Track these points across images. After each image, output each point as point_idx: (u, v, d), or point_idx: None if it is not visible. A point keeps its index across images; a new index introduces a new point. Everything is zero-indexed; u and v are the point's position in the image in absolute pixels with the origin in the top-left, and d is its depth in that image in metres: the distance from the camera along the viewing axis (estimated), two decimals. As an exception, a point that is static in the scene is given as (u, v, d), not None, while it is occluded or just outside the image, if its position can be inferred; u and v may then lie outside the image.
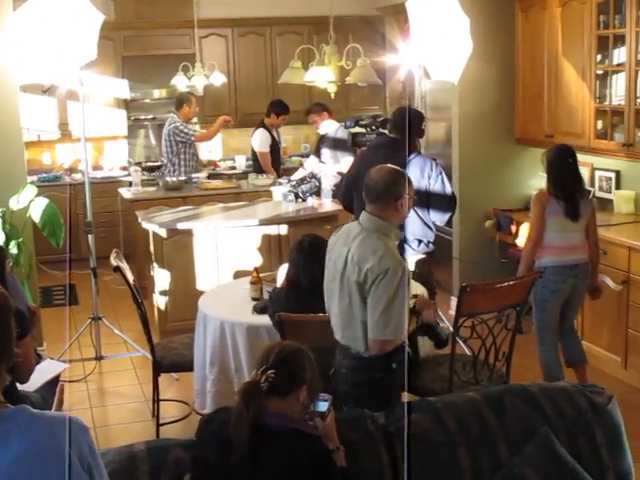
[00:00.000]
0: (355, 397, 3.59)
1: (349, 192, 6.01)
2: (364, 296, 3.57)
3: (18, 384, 4.10)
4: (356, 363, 3.70)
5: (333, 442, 2.86)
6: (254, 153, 9.34)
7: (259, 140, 9.12)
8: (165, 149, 9.25)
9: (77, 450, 1.99)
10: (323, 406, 2.92)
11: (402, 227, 5.75)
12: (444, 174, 5.75)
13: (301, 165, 8.48)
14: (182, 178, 8.96)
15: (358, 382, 3.70)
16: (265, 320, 4.32)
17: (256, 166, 9.32)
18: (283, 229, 7.22)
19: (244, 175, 9.67)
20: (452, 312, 7.02)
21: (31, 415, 2.02)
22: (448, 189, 5.76)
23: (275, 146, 9.25)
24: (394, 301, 3.50)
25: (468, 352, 4.89)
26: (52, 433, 1.99)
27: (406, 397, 3.65)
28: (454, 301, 7.31)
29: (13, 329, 2.03)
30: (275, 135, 9.28)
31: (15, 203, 6.39)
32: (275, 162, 9.21)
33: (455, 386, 4.44)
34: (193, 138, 9.18)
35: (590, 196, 6.16)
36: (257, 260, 6.95)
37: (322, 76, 5.77)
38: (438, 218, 5.81)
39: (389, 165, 3.88)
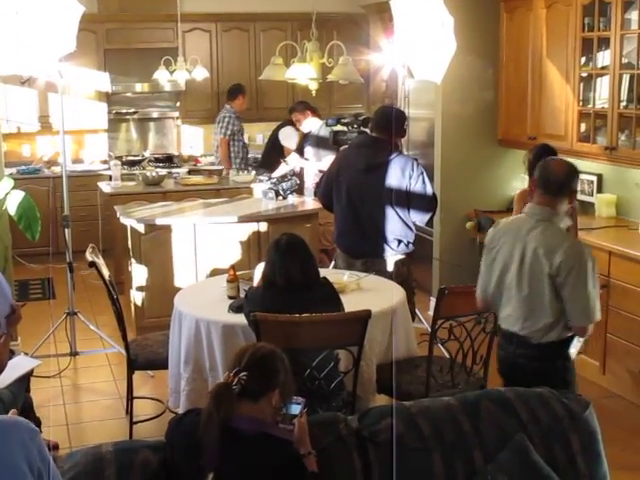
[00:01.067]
0: (536, 386, 3.56)
1: (329, 190, 5.96)
2: (555, 287, 3.77)
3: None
4: (536, 352, 3.86)
5: (305, 446, 2.81)
6: (269, 147, 9.24)
7: (294, 138, 8.95)
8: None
9: (25, 455, 1.93)
10: (296, 409, 2.88)
11: (381, 227, 5.72)
12: (425, 174, 5.71)
13: (283, 161, 8.41)
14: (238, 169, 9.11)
15: (539, 371, 3.83)
16: (241, 319, 4.26)
17: (265, 161, 9.23)
18: (263, 226, 7.16)
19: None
20: (430, 313, 7.00)
21: None
22: (429, 189, 5.72)
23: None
24: (591, 286, 3.75)
25: (446, 354, 4.86)
26: (2, 441, 1.92)
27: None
28: (433, 302, 7.29)
29: None
30: None
31: (-9, 195, 6.31)
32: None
33: (432, 389, 4.40)
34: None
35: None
36: (236, 257, 6.89)
37: (303, 73, 5.72)
38: (418, 218, 5.77)
39: (565, 159, 4.11)
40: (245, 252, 7.08)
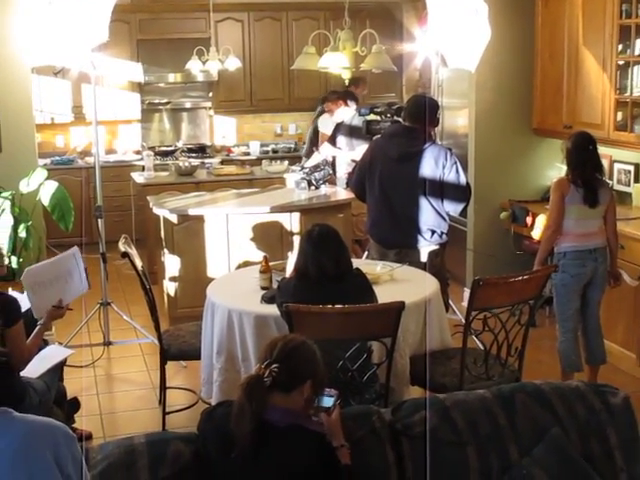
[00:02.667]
0: None
1: (361, 180, 5.92)
2: None
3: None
4: None
5: (338, 439, 2.78)
6: (311, 137, 9.22)
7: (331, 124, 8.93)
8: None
9: (55, 456, 1.92)
10: (328, 402, 2.84)
11: (415, 218, 5.67)
12: (459, 164, 5.65)
13: (316, 149, 8.38)
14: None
15: None
16: (274, 310, 4.23)
17: (309, 149, 9.21)
18: (295, 217, 7.13)
19: (258, 161, 9.61)
20: (464, 304, 6.94)
21: (11, 418, 1.95)
22: (463, 179, 5.65)
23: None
24: None
25: (480, 346, 4.81)
26: (31, 439, 1.92)
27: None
28: (467, 293, 7.23)
29: None
30: None
31: (25, 186, 6.34)
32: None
33: (466, 381, 4.35)
34: None
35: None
36: (268, 248, 6.87)
37: (336, 62, 5.68)
38: (452, 208, 5.72)
39: None
40: (277, 243, 7.05)
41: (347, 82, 5.95)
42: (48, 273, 4.59)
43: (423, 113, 5.62)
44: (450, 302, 6.24)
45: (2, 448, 1.87)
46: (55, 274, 4.61)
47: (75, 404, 5.04)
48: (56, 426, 2.00)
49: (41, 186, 6.31)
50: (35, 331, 4.23)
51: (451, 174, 5.59)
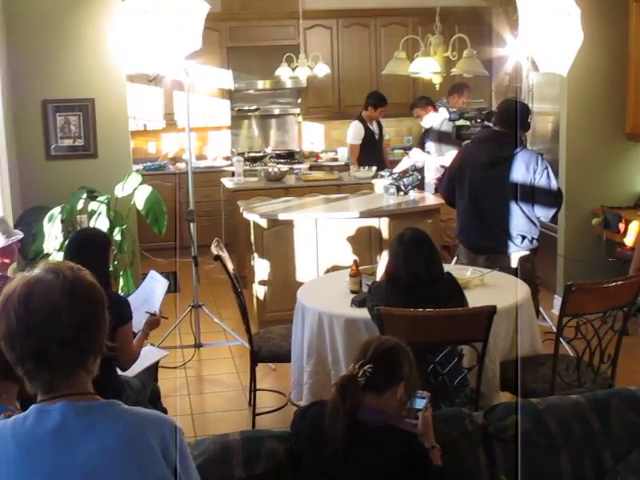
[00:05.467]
0: None
1: (452, 186, 5.91)
2: None
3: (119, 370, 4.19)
4: None
5: (430, 440, 2.79)
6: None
7: (352, 132, 9.10)
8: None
9: (162, 447, 1.97)
10: (420, 403, 2.86)
11: (505, 223, 5.64)
12: (550, 169, 5.60)
13: (406, 154, 8.39)
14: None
15: None
16: (363, 313, 4.26)
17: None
18: (384, 222, 7.14)
19: (346, 167, 9.65)
20: (554, 311, 6.86)
21: (121, 410, 2.00)
22: (554, 184, 5.60)
23: (371, 139, 9.15)
24: None
25: (570, 353, 4.75)
26: (139, 429, 1.97)
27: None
28: (557, 300, 7.15)
29: (105, 321, 2.01)
30: (374, 128, 9.19)
31: (120, 190, 6.49)
32: (373, 155, 9.08)
33: (557, 387, 4.30)
34: None
35: None
36: (357, 253, 6.89)
37: (427, 67, 5.68)
38: (543, 214, 5.66)
39: None
40: (366, 248, 7.06)
41: (437, 87, 5.92)
42: (137, 298, 4.74)
43: (514, 117, 5.59)
44: (540, 309, 6.17)
45: (113, 437, 1.93)
46: (143, 297, 4.75)
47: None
48: (163, 418, 2.06)
49: (136, 190, 6.45)
50: (137, 336, 4.35)
51: (542, 179, 5.54)
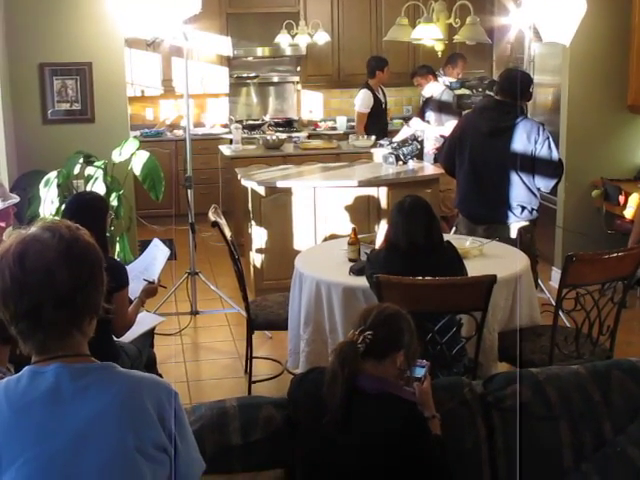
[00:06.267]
0: None
1: (452, 155, 5.86)
2: None
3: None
4: None
5: (429, 409, 2.76)
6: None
7: (361, 100, 8.98)
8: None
9: (157, 410, 1.94)
10: (420, 372, 2.83)
11: (505, 193, 5.60)
12: (551, 139, 5.55)
13: (405, 123, 8.31)
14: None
15: None
16: (362, 282, 4.23)
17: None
18: (382, 191, 7.09)
19: (344, 136, 9.61)
20: (552, 283, 6.85)
21: (116, 372, 1.97)
22: (555, 155, 5.55)
23: (379, 108, 9.07)
24: None
25: (567, 324, 4.73)
26: (135, 392, 1.93)
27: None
28: (555, 272, 7.13)
29: (102, 282, 1.97)
30: (380, 96, 9.10)
31: (117, 156, 6.43)
32: (379, 124, 9.02)
33: (555, 358, 4.28)
34: None
35: None
36: (355, 222, 6.85)
37: (430, 33, 5.62)
38: (543, 185, 5.62)
39: None
40: (364, 217, 7.03)
41: (439, 54, 5.86)
42: (138, 266, 4.72)
43: (516, 87, 5.53)
44: (539, 280, 6.14)
45: (109, 400, 1.90)
46: (145, 265, 4.73)
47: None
48: (159, 382, 2.02)
49: (133, 156, 6.39)
50: (134, 303, 4.32)
51: (543, 149, 5.50)
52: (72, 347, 1.94)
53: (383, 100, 9.16)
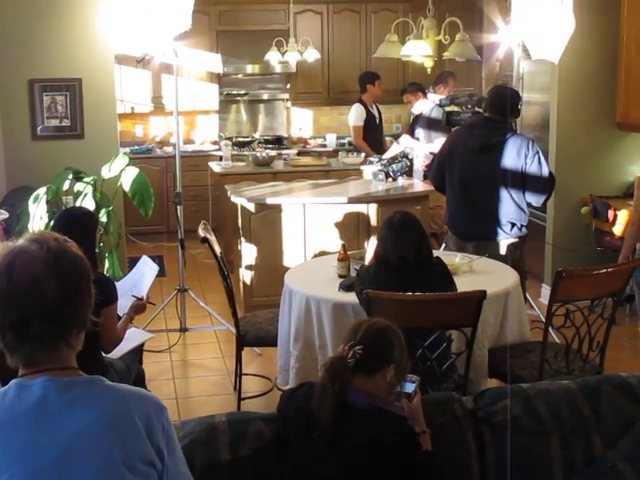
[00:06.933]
0: None
1: (441, 172, 5.87)
2: None
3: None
4: None
5: (419, 425, 2.75)
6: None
7: (354, 114, 8.99)
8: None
9: (145, 425, 1.92)
10: (410, 387, 2.82)
11: (495, 210, 5.60)
12: (541, 154, 5.57)
13: (395, 140, 8.33)
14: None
15: None
16: (351, 298, 4.22)
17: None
18: (372, 208, 7.09)
19: (334, 153, 9.63)
20: (542, 300, 6.85)
21: (104, 386, 1.95)
22: (545, 169, 5.56)
23: (372, 122, 9.08)
24: None
25: (557, 340, 4.72)
26: (123, 406, 1.92)
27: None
28: (544, 288, 7.13)
29: (90, 295, 1.96)
30: (374, 111, 9.11)
31: (107, 172, 6.43)
32: (373, 139, 9.02)
33: (545, 375, 4.27)
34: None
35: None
36: (344, 238, 6.84)
37: (419, 50, 5.62)
38: (534, 199, 5.63)
39: None
40: (353, 234, 7.02)
41: (429, 71, 5.87)
42: (127, 283, 4.70)
43: (505, 104, 5.55)
44: (528, 296, 6.14)
45: (96, 414, 1.88)
46: (133, 282, 4.71)
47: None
48: (147, 395, 2.01)
49: (122, 172, 6.39)
50: (122, 319, 4.30)
51: (533, 165, 5.51)
52: (60, 360, 1.93)
53: (377, 115, 9.17)
